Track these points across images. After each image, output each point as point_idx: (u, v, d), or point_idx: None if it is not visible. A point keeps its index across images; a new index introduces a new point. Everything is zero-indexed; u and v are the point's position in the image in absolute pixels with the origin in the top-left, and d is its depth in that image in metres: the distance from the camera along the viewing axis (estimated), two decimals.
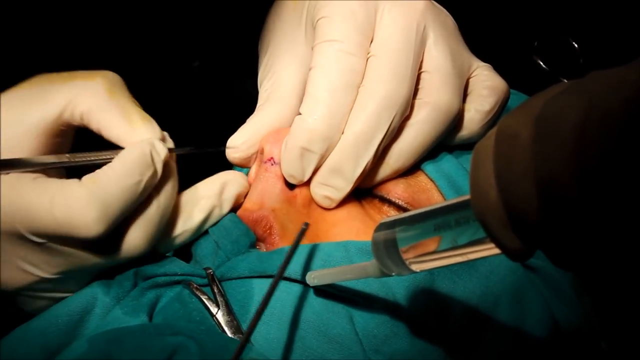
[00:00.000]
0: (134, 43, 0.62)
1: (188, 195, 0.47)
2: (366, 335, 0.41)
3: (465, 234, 0.30)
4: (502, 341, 0.44)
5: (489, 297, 0.44)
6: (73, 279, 0.44)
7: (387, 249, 0.35)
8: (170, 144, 0.46)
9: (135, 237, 0.42)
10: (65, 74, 0.44)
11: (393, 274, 0.35)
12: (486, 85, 0.50)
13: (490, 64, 0.52)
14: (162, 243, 0.46)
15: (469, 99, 0.51)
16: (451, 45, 0.48)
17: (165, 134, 0.45)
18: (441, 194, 0.48)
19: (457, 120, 0.48)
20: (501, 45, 0.67)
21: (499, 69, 0.52)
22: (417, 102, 0.47)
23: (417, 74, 0.46)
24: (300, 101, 0.46)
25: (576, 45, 0.70)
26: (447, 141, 0.50)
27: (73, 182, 0.40)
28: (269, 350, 0.40)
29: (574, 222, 0.24)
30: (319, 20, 0.46)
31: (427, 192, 0.49)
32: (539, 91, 0.27)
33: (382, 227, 0.36)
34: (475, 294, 0.43)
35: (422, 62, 0.47)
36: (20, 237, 0.40)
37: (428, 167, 0.49)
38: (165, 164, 0.44)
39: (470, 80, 0.51)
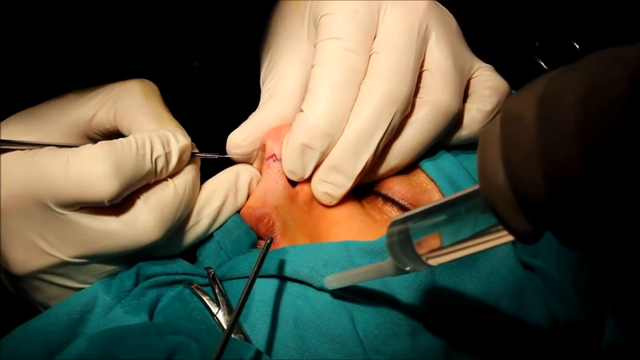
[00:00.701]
0: (134, 43, 0.61)
1: (203, 187, 0.48)
2: (367, 336, 0.41)
3: (478, 224, 0.31)
4: (502, 341, 0.44)
5: (489, 297, 0.44)
6: (87, 267, 0.44)
7: (401, 244, 0.35)
8: (195, 149, 0.47)
9: (150, 221, 0.42)
10: (105, 84, 0.46)
11: (408, 268, 0.35)
12: (488, 86, 0.50)
13: (491, 64, 0.52)
14: (178, 236, 0.46)
15: (470, 99, 0.51)
16: (453, 45, 0.48)
17: (193, 143, 0.47)
18: (442, 194, 0.48)
19: (456, 120, 0.48)
20: (502, 46, 0.67)
21: (500, 69, 0.52)
22: (417, 100, 0.47)
23: (418, 73, 0.46)
24: (303, 99, 0.46)
25: (577, 46, 0.70)
26: (447, 141, 0.50)
27: (88, 145, 0.41)
28: (270, 350, 0.40)
29: (580, 201, 0.24)
30: (322, 17, 0.46)
31: (429, 192, 0.49)
32: None
33: (395, 223, 0.36)
34: (476, 294, 0.44)
35: (423, 61, 0.47)
36: (38, 206, 0.40)
37: (428, 166, 0.49)
38: (189, 162, 0.46)
39: (472, 80, 0.51)
